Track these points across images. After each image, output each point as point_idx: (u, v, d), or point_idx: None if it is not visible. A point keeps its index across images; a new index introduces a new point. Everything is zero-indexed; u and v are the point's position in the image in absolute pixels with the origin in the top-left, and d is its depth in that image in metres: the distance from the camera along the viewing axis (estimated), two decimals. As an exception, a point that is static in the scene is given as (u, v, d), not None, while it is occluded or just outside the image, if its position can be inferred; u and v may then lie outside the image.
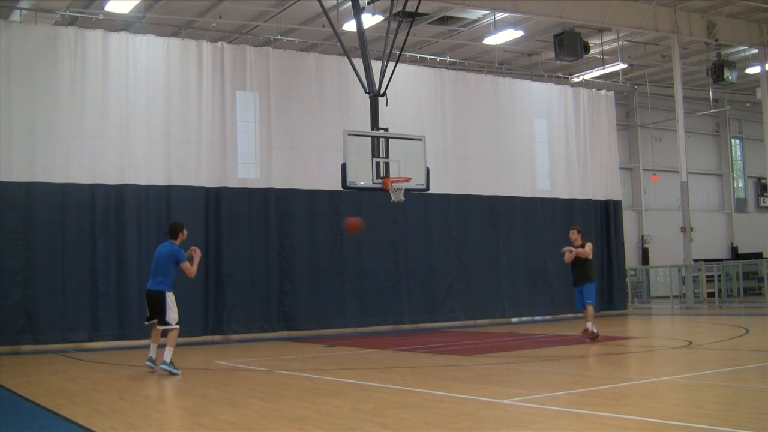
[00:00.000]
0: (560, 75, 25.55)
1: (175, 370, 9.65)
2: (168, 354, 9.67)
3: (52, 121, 15.11)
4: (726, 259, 31.89)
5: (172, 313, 9.86)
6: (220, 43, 17.26)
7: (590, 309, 12.95)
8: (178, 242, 10.15)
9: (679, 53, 23.91)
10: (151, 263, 10.06)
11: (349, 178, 13.92)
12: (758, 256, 29.93)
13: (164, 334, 9.94)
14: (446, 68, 21.01)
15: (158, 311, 9.87)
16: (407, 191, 14.44)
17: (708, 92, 29.15)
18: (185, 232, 10.31)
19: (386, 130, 14.66)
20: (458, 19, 22.75)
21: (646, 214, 32.64)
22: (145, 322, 10.23)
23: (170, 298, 9.86)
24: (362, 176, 14.09)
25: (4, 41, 14.88)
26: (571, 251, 13.22)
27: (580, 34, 22.22)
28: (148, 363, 10.04)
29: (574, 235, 13.46)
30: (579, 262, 13.23)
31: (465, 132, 19.86)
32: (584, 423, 5.99)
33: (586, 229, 21.52)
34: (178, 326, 9.92)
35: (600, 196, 22.16)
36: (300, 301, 17.21)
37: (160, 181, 16.00)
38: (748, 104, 33.93)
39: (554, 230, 20.97)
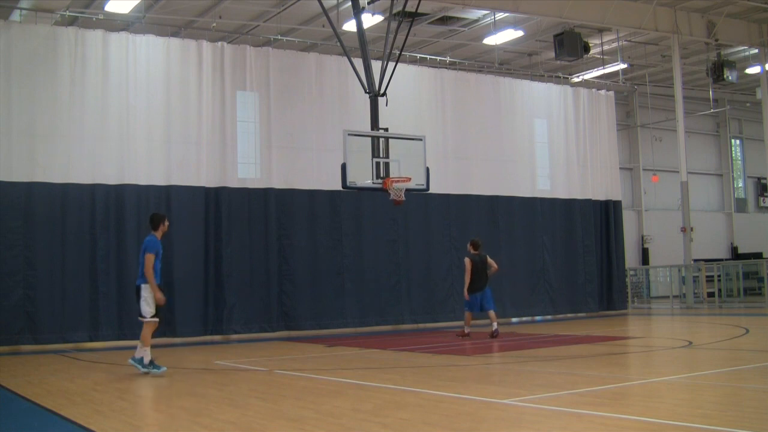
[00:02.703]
0: (560, 75, 25.56)
1: (145, 369, 9.60)
2: (139, 350, 9.71)
3: (52, 121, 15.11)
4: (726, 259, 31.89)
5: (146, 306, 9.79)
6: (220, 43, 17.26)
7: (467, 314, 14.83)
8: (159, 234, 9.99)
9: (679, 53, 23.91)
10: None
11: (349, 178, 13.92)
12: (758, 256, 29.94)
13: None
14: (446, 68, 21.02)
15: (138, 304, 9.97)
16: (407, 191, 14.44)
17: (708, 92, 29.16)
18: (166, 224, 10.14)
19: (386, 130, 14.66)
20: (458, 19, 22.75)
21: (646, 214, 32.65)
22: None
23: (145, 290, 9.77)
24: (362, 176, 14.09)
25: (4, 41, 14.88)
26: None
27: (580, 34, 22.23)
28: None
29: (468, 246, 14.97)
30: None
31: (465, 132, 19.86)
32: (584, 423, 5.98)
33: (587, 229, 21.64)
34: (152, 320, 9.80)
35: (600, 196, 22.16)
36: (300, 301, 17.21)
37: (160, 181, 16.00)
38: (748, 104, 33.95)
39: (554, 230, 21.00)
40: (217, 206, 16.53)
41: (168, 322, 15.72)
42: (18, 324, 14.46)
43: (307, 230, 17.43)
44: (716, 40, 24.35)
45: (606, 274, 21.89)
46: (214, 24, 20.27)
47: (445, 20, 22.70)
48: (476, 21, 22.87)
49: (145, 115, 15.96)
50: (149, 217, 10.50)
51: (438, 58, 23.02)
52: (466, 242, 19.30)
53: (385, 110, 14.89)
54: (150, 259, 9.72)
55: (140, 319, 9.91)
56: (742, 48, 26.17)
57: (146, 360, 9.67)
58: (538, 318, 20.56)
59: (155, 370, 9.61)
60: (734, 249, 34.63)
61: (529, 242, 20.56)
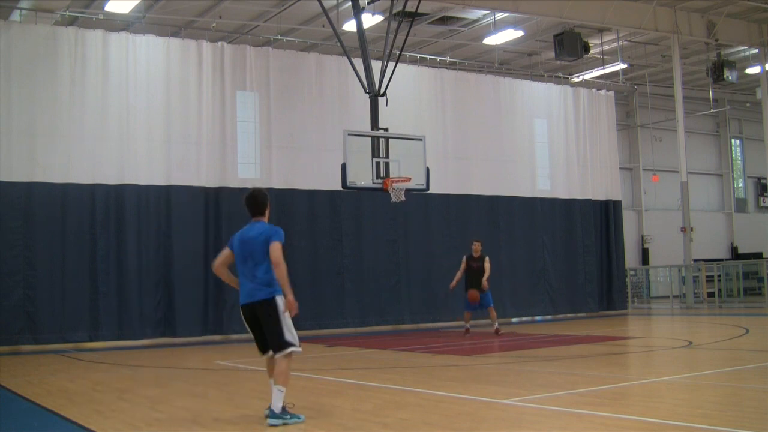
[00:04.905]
0: (560, 75, 25.55)
1: (279, 419, 6.21)
2: (278, 397, 6.29)
3: (52, 121, 15.11)
4: (726, 259, 31.88)
5: (286, 329, 6.81)
6: (220, 43, 17.26)
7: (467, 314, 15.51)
8: (266, 220, 7.25)
9: (679, 53, 23.91)
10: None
11: (349, 178, 13.93)
12: (758, 256, 29.92)
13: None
14: (446, 68, 21.02)
15: (269, 328, 6.86)
16: (407, 191, 14.44)
17: (708, 92, 29.15)
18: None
19: (386, 130, 14.66)
20: (458, 19, 22.74)
21: (646, 214, 32.64)
22: (262, 355, 6.95)
23: (281, 302, 6.94)
24: (362, 176, 14.10)
25: (4, 41, 14.88)
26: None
27: (580, 34, 22.21)
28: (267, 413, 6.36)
29: (477, 246, 15.23)
30: (477, 274, 15.00)
31: (465, 132, 19.86)
32: (584, 423, 5.99)
33: (587, 229, 21.65)
34: (297, 349, 6.67)
35: (600, 196, 22.16)
36: (300, 301, 16.97)
37: (160, 181, 16.00)
38: (748, 104, 33.94)
39: (554, 230, 21.00)
40: (217, 206, 16.52)
41: (168, 322, 15.75)
42: (18, 324, 14.46)
43: (307, 230, 17.42)
44: (716, 40, 24.34)
45: (606, 274, 21.89)
46: (214, 24, 20.26)
47: (445, 20, 22.69)
48: (476, 21, 22.86)
49: (145, 115, 15.96)
50: (249, 197, 7.32)
51: (438, 58, 23.01)
52: (467, 242, 19.40)
53: (385, 110, 14.89)
54: (279, 249, 6.98)
55: (277, 353, 6.66)
56: (742, 48, 26.15)
57: (279, 405, 6.28)
58: (538, 318, 20.56)
59: (292, 419, 6.28)
60: (734, 249, 34.62)
61: (529, 242, 20.56)
